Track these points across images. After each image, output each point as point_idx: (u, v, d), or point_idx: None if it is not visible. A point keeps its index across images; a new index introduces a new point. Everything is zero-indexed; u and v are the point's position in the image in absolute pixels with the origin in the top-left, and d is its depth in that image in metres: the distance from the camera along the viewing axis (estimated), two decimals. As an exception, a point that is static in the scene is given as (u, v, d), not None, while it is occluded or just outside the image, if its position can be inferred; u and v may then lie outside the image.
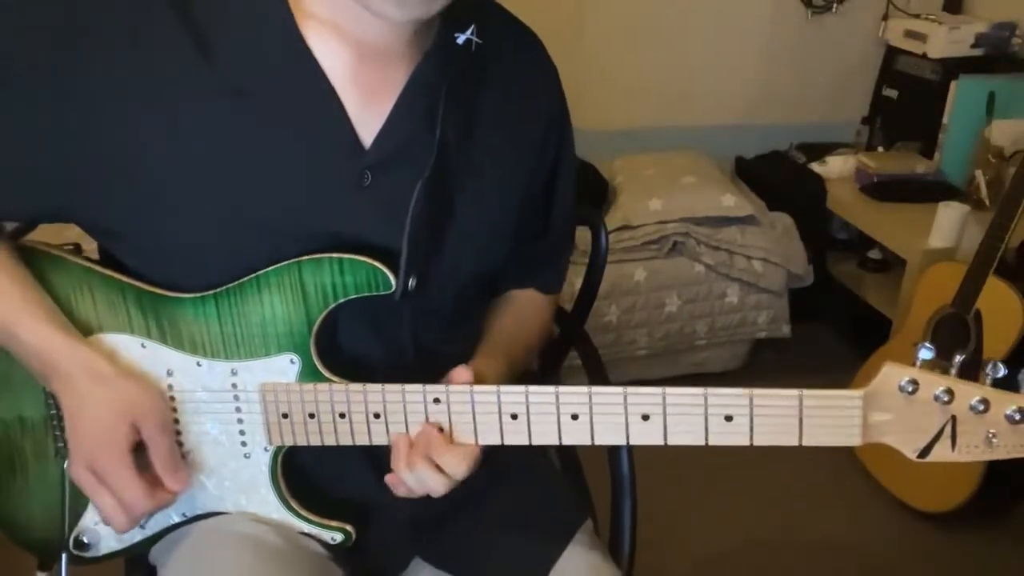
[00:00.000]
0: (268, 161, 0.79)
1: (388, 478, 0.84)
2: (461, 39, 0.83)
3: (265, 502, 0.88)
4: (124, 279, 0.84)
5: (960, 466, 1.89)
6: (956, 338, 1.87)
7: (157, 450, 0.82)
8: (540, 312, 1.06)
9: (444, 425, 0.81)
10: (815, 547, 2.00)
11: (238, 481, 0.88)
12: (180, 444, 0.87)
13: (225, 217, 0.80)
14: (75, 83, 0.75)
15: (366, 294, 0.81)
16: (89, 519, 0.90)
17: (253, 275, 0.81)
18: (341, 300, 0.81)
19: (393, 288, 0.81)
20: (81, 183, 0.78)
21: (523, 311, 1.03)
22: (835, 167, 2.65)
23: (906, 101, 2.70)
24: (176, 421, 0.86)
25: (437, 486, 0.81)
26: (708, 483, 2.13)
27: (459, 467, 0.80)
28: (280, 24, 0.77)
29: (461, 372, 0.82)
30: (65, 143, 0.76)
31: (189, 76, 0.76)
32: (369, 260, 0.80)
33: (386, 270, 0.80)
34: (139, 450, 0.81)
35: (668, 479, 1.95)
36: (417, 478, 0.81)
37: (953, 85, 2.48)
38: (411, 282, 0.83)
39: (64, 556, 0.90)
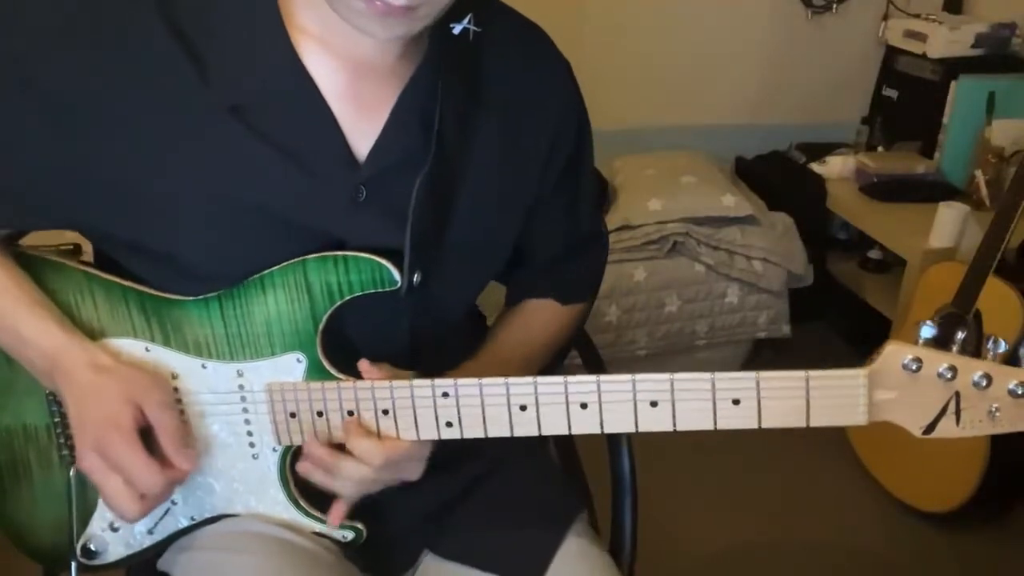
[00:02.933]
0: (266, 176, 0.79)
1: (332, 520, 0.86)
2: (457, 29, 0.83)
3: (275, 503, 0.88)
4: (126, 283, 0.84)
5: (960, 466, 1.90)
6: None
7: (163, 428, 0.80)
8: (552, 323, 1.04)
9: (453, 420, 0.81)
10: (815, 547, 2.00)
11: (247, 482, 0.88)
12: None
13: (226, 229, 0.80)
14: (74, 99, 0.75)
15: (371, 291, 0.81)
16: (96, 526, 0.89)
17: (257, 275, 0.81)
18: (347, 298, 0.81)
19: (398, 284, 0.81)
20: (82, 196, 0.79)
21: (531, 322, 1.03)
22: (835, 167, 2.65)
23: (906, 101, 2.70)
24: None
25: (364, 478, 0.82)
26: (708, 484, 2.14)
27: (373, 455, 0.81)
28: (274, 40, 0.78)
29: (365, 365, 0.82)
30: (64, 159, 0.77)
31: (185, 91, 0.76)
32: (374, 257, 0.80)
33: (391, 266, 0.80)
34: (146, 438, 0.80)
35: (668, 480, 1.95)
36: (345, 478, 0.82)
37: (953, 85, 2.48)
38: (416, 277, 0.83)
39: (74, 565, 0.89)
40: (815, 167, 2.68)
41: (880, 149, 2.73)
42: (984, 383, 0.72)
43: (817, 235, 2.61)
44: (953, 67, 2.51)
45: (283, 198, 0.79)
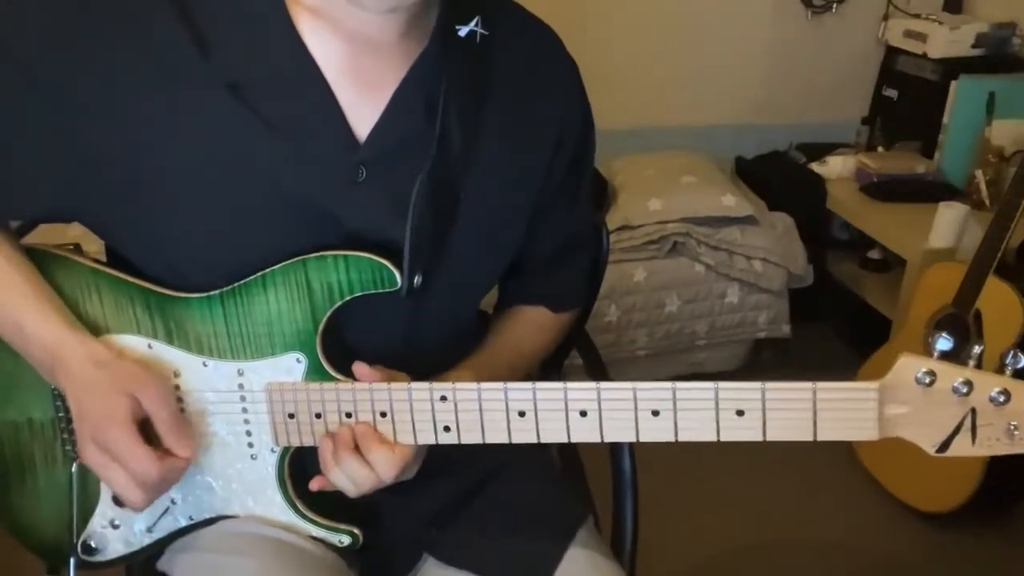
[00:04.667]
0: (264, 155, 0.78)
1: (312, 485, 0.84)
2: (463, 31, 0.82)
3: (272, 504, 0.88)
4: (131, 280, 0.83)
5: (960, 466, 1.89)
6: (956, 338, 1.87)
7: (160, 418, 0.79)
8: (542, 331, 1.04)
9: (451, 424, 0.80)
10: (815, 547, 2.00)
11: (245, 483, 0.87)
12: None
13: (224, 210, 0.80)
14: (76, 82, 0.75)
15: (372, 291, 0.80)
16: (97, 523, 0.89)
17: (258, 274, 0.81)
18: (347, 298, 0.81)
19: (399, 285, 0.80)
20: (84, 182, 0.78)
21: (522, 330, 1.02)
22: (835, 167, 2.65)
23: (906, 101, 2.70)
24: None
25: (364, 481, 0.81)
26: (709, 483, 2.13)
27: (387, 466, 0.80)
28: (274, 16, 0.77)
29: (363, 369, 0.81)
30: (67, 143, 0.77)
31: (186, 69, 0.75)
32: (374, 257, 0.79)
33: (392, 267, 0.79)
34: (146, 429, 0.80)
35: (668, 481, 1.95)
36: (345, 473, 0.81)
37: (953, 85, 2.48)
38: (417, 279, 0.82)
39: (72, 561, 0.89)
40: (815, 167, 2.68)
41: (880, 149, 2.73)
42: (1002, 399, 0.68)
43: (817, 235, 2.61)
44: (953, 67, 2.51)
45: (281, 175, 0.79)
